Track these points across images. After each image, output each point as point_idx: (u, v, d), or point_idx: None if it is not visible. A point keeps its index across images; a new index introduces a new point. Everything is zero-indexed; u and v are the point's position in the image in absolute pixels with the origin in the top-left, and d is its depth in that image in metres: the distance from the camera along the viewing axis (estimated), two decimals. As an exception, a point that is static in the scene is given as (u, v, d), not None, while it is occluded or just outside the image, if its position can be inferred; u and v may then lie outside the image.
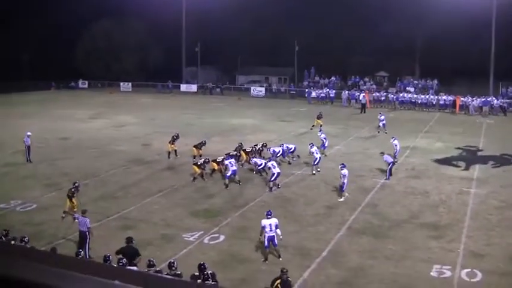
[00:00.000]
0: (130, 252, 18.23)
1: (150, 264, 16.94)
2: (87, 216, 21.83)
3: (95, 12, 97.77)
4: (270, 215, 21.98)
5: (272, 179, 31.43)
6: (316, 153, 35.39)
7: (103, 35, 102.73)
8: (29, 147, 37.61)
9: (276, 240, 21.55)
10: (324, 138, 40.10)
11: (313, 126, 51.59)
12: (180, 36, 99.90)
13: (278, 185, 31.89)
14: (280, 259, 21.24)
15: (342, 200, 29.46)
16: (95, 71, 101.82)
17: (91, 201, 28.44)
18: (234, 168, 32.66)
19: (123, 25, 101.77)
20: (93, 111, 65.36)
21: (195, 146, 38.99)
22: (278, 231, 21.62)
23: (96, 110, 66.78)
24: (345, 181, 29.58)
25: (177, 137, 40.15)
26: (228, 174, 32.28)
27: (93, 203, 28.16)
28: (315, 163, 34.91)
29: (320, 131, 43.51)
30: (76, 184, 26.81)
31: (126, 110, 67.24)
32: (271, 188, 31.28)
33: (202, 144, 38.98)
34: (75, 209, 25.23)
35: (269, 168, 32.59)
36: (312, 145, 36.31)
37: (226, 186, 31.91)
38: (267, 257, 21.56)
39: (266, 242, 21.47)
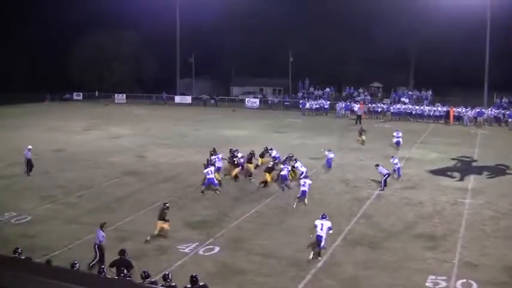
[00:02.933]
0: (123, 265, 18.17)
1: (145, 276, 16.89)
2: (103, 230, 21.80)
3: (89, 23, 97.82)
4: (325, 217, 24.15)
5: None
6: (301, 167, 35.71)
7: (97, 47, 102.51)
8: (29, 160, 37.49)
9: (323, 241, 23.20)
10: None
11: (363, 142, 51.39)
12: (175, 48, 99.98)
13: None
14: (319, 258, 22.82)
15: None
16: (90, 83, 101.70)
17: (86, 213, 28.47)
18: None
19: (118, 36, 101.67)
20: (88, 123, 65.31)
21: (260, 156, 39.44)
22: (330, 232, 23.86)
23: (90, 121, 66.72)
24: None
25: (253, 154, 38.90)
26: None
27: (88, 215, 28.19)
28: (301, 176, 34.66)
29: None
30: (167, 204, 26.25)
31: (120, 122, 67.18)
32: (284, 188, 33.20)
33: (265, 151, 39.33)
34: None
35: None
36: (296, 160, 36.76)
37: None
38: (316, 253, 23.05)
39: (316, 240, 23.34)
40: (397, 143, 48.56)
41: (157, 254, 22.80)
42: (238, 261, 22.17)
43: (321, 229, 23.39)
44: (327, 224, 23.73)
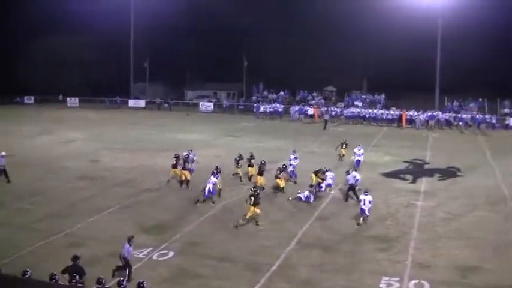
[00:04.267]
0: (75, 271, 17.95)
1: (99, 282, 16.72)
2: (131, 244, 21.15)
3: (41, 26, 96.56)
4: (367, 193, 28.46)
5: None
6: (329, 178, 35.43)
7: (49, 50, 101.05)
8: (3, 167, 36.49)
9: (366, 211, 28.03)
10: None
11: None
12: (129, 51, 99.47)
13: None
14: (365, 224, 27.93)
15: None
16: (41, 87, 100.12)
17: (38, 219, 28.08)
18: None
19: (70, 39, 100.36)
20: (40, 127, 64.33)
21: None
22: (370, 205, 28.23)
23: (42, 126, 65.73)
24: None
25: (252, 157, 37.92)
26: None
27: (41, 221, 27.82)
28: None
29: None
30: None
31: (73, 126, 66.42)
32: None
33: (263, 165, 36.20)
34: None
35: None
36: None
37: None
38: (364, 220, 28.15)
39: (360, 211, 28.29)
40: (357, 162, 41.44)
41: (111, 260, 22.58)
42: (194, 265, 22.09)
43: (364, 204, 28.06)
44: (369, 198, 28.13)
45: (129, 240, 21.05)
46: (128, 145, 52.09)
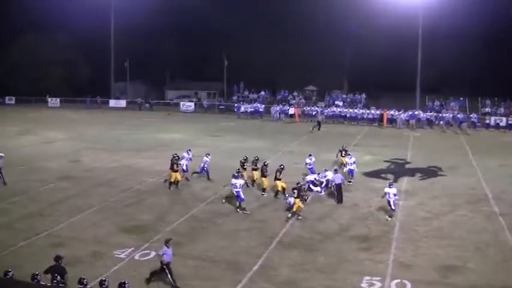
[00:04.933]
0: (57, 271, 17.85)
1: (81, 282, 16.64)
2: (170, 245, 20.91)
3: (21, 26, 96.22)
4: (391, 186, 29.73)
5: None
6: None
7: (30, 50, 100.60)
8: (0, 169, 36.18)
9: (393, 204, 29.12)
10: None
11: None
12: (109, 51, 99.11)
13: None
14: (393, 218, 29.12)
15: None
16: (22, 87, 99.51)
17: (19, 219, 27.94)
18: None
19: (51, 39, 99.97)
20: (21, 127, 63.99)
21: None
22: (396, 197, 29.71)
23: (24, 126, 65.41)
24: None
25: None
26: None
27: (22, 221, 27.68)
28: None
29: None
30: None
31: (54, 126, 66.13)
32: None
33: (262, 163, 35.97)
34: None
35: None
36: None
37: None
38: (389, 215, 29.29)
39: (388, 204, 29.32)
40: (350, 171, 37.95)
41: (93, 260, 22.48)
42: (175, 265, 21.98)
43: (389, 196, 29.13)
44: (393, 191, 29.38)
45: (167, 242, 20.89)
46: (108, 145, 51.92)
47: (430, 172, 41.53)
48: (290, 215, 28.84)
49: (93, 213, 29.56)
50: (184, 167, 36.98)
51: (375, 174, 40.52)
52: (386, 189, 29.43)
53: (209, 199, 32.62)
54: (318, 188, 33.96)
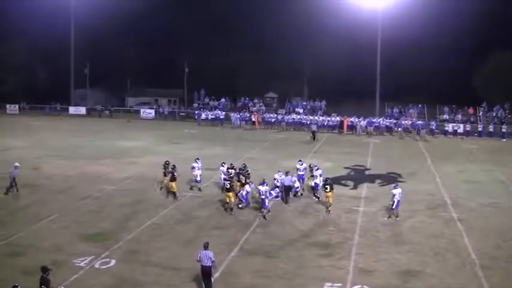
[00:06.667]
0: (43, 283, 17.57)
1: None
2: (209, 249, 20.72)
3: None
4: (396, 187, 30.92)
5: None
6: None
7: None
8: (14, 178, 35.43)
9: (398, 204, 30.27)
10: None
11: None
12: (69, 58, 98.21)
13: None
14: (398, 218, 30.39)
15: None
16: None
17: (-24, 228, 27.54)
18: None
19: (8, 45, 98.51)
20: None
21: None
22: (399, 198, 30.22)
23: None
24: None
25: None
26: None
27: (-22, 230, 27.29)
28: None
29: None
30: None
31: (12, 133, 65.10)
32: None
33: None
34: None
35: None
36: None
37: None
38: (397, 215, 30.54)
39: (392, 204, 30.41)
40: (316, 186, 35.31)
41: (53, 269, 22.21)
42: (135, 273, 21.89)
43: (394, 197, 30.19)
44: (398, 191, 30.32)
45: (206, 247, 20.72)
46: (68, 152, 51.38)
47: (389, 178, 41.82)
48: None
49: (53, 221, 29.24)
50: (198, 178, 36.76)
51: (335, 181, 40.40)
52: (393, 190, 30.58)
53: (170, 206, 32.47)
54: (273, 193, 33.76)
